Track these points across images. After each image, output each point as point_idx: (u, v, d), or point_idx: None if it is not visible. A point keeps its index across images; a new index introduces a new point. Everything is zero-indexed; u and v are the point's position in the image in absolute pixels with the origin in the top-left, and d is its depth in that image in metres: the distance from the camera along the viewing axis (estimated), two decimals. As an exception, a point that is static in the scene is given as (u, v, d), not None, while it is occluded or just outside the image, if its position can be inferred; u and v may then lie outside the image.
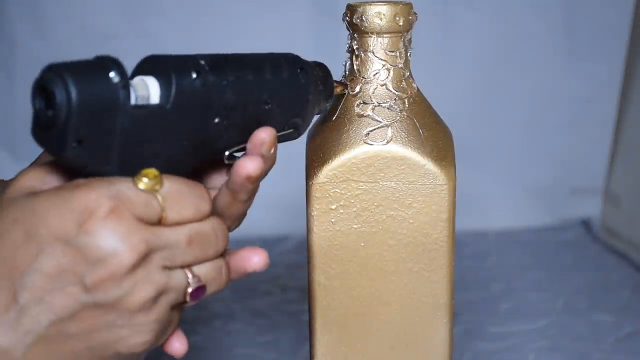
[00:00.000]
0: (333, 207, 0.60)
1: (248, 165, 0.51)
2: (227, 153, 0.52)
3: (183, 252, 0.48)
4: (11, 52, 1.22)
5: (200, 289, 0.49)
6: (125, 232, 0.45)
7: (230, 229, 0.54)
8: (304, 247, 0.64)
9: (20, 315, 0.45)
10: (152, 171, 0.47)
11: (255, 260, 0.52)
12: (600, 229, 1.31)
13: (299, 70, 0.56)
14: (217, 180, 0.55)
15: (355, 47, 0.61)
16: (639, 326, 0.97)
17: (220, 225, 0.50)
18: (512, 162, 1.32)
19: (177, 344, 0.51)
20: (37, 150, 0.49)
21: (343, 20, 0.61)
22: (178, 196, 0.47)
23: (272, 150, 0.52)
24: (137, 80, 0.47)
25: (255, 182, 0.52)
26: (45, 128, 0.45)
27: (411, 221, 0.60)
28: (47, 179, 0.49)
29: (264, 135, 0.52)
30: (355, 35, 0.60)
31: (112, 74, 0.45)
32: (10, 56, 1.22)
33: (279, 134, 0.55)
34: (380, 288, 0.61)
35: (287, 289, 1.07)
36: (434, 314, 0.62)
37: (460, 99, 1.26)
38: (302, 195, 0.61)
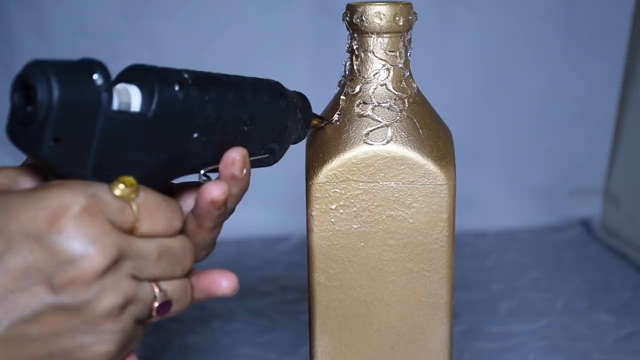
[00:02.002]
0: (333, 207, 0.60)
1: (213, 190, 0.50)
2: (202, 171, 0.52)
3: (152, 265, 0.47)
4: (11, 52, 1.22)
5: (166, 305, 0.48)
6: (97, 234, 0.43)
7: (197, 259, 0.52)
8: (304, 247, 0.64)
9: None
10: (129, 179, 0.46)
11: (224, 284, 0.51)
12: (600, 229, 1.31)
13: (279, 96, 0.56)
14: (190, 204, 0.54)
15: (355, 47, 0.61)
16: (639, 326, 0.97)
17: (189, 244, 0.49)
18: (512, 162, 1.32)
19: None
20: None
21: (343, 20, 0.61)
22: (152, 208, 0.47)
23: (243, 171, 0.52)
24: (120, 87, 0.47)
25: (220, 208, 0.51)
26: (22, 124, 0.44)
27: (411, 221, 0.60)
28: (19, 180, 0.48)
29: (234, 154, 0.52)
30: (355, 35, 0.60)
31: (95, 76, 0.44)
32: (10, 56, 1.22)
33: (255, 157, 0.54)
34: (380, 288, 0.61)
35: (287, 289, 1.07)
36: (434, 314, 0.62)
37: (460, 99, 1.26)
38: (302, 195, 0.61)
